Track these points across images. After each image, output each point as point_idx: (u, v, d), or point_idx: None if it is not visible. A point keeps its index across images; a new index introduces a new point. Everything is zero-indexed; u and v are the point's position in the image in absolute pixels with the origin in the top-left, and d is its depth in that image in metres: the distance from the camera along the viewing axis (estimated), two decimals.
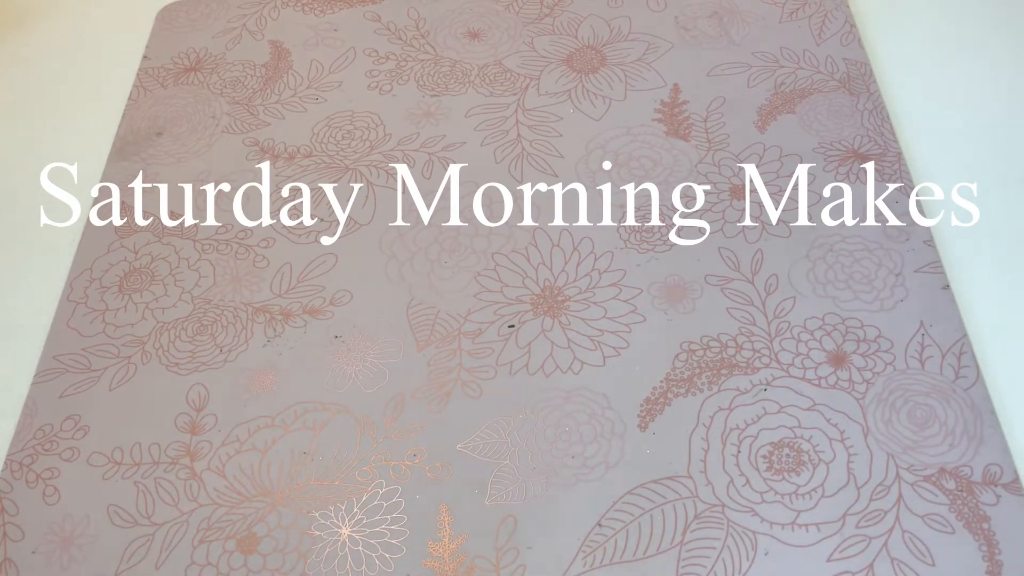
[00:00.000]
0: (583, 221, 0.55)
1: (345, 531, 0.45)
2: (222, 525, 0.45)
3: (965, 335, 0.48)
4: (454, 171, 0.58)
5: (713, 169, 0.57)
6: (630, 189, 0.56)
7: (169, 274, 0.55)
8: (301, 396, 0.49)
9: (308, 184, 0.59)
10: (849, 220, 0.54)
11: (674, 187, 0.56)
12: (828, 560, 0.42)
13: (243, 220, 0.57)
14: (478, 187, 0.57)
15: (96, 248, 0.57)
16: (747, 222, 0.54)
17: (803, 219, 0.54)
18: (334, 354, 0.51)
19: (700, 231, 0.54)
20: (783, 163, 0.57)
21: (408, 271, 0.54)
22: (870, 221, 0.53)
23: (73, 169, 0.62)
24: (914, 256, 0.52)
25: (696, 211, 0.55)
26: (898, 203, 0.54)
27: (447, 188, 0.57)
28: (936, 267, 0.51)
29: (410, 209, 0.57)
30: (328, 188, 0.58)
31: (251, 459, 0.47)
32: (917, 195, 0.54)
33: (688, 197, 0.56)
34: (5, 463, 0.48)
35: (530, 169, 0.58)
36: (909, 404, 0.46)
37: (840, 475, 0.44)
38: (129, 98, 0.65)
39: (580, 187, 0.57)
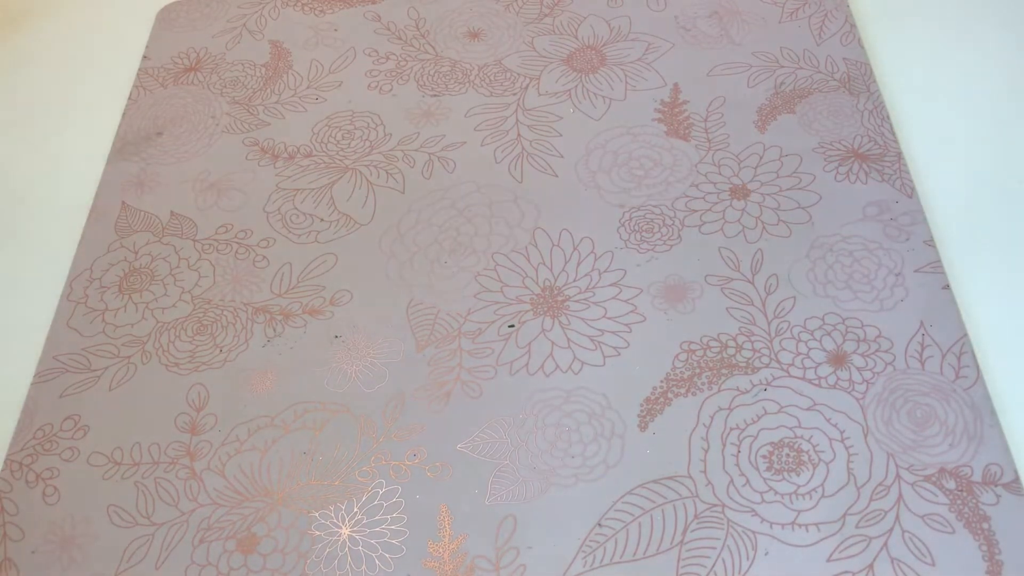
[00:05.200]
0: (583, 221, 0.55)
1: (345, 531, 0.45)
2: (222, 525, 0.45)
3: (965, 335, 0.48)
4: (454, 171, 0.58)
5: (713, 169, 0.57)
6: (630, 189, 0.56)
7: (169, 274, 0.55)
8: (301, 396, 0.49)
9: (308, 184, 0.59)
10: (849, 220, 0.54)
11: (674, 187, 0.56)
12: (828, 560, 0.42)
13: (243, 220, 0.57)
14: (478, 187, 0.57)
15: (96, 248, 0.57)
16: (747, 222, 0.54)
17: (803, 219, 0.54)
18: (334, 354, 0.51)
19: (700, 231, 0.54)
20: (783, 163, 0.57)
21: (408, 271, 0.54)
22: (870, 221, 0.53)
23: (73, 169, 0.62)
24: (914, 256, 0.52)
25: (696, 211, 0.55)
26: (898, 203, 0.54)
27: (447, 188, 0.57)
28: (936, 267, 0.51)
29: (410, 209, 0.57)
30: (328, 188, 0.58)
31: (251, 459, 0.47)
32: (917, 194, 0.54)
33: (688, 197, 0.56)
34: (5, 463, 0.48)
35: (530, 169, 0.58)
36: (909, 404, 0.46)
37: (840, 475, 0.44)
38: (129, 98, 0.65)
39: (580, 187, 0.57)
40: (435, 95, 0.63)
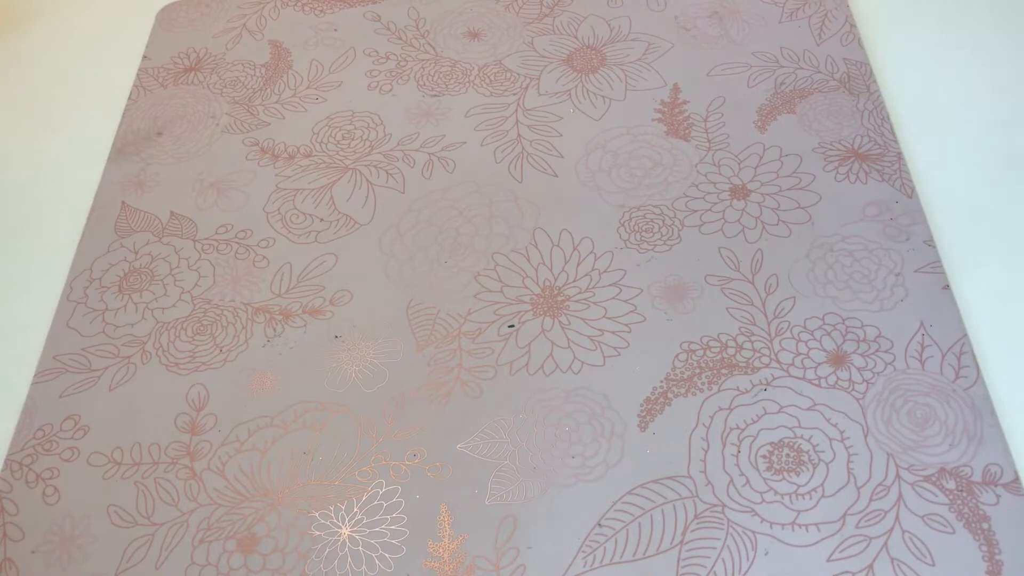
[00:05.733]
0: (583, 221, 0.55)
1: (345, 531, 0.45)
2: (222, 525, 0.45)
3: (965, 335, 0.48)
4: (454, 171, 0.58)
5: (713, 169, 0.57)
6: (630, 189, 0.56)
7: (169, 274, 0.55)
8: (301, 396, 0.49)
9: (308, 184, 0.59)
10: (849, 220, 0.54)
11: (674, 187, 0.56)
12: (828, 560, 0.42)
13: (243, 220, 0.57)
14: (478, 187, 0.57)
15: (96, 248, 0.57)
16: (747, 222, 0.54)
17: (803, 219, 0.54)
18: (334, 354, 0.51)
19: (700, 231, 0.54)
20: (783, 163, 0.57)
21: (408, 271, 0.54)
22: (870, 221, 0.53)
23: (73, 169, 0.62)
24: (914, 256, 0.52)
25: (696, 211, 0.55)
26: (898, 203, 0.54)
27: (447, 188, 0.57)
28: (936, 267, 0.51)
29: (410, 209, 0.57)
30: (328, 188, 0.58)
31: (251, 459, 0.47)
32: (917, 194, 0.54)
33: (688, 197, 0.56)
34: (5, 463, 0.48)
35: (530, 169, 0.58)
36: (909, 404, 0.46)
37: (840, 475, 0.44)
38: (129, 98, 0.65)
39: (580, 187, 0.57)
40: (435, 95, 0.63)
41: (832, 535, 0.43)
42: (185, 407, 0.49)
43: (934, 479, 0.44)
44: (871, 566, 0.42)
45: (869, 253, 0.52)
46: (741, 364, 0.48)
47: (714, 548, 0.43)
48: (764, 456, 0.45)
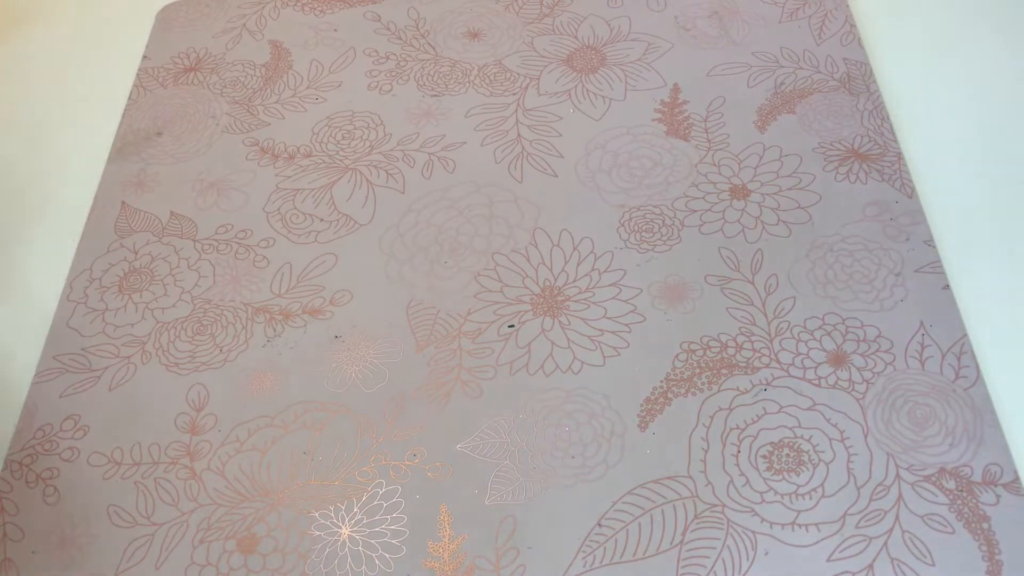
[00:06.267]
0: (583, 221, 0.55)
1: (345, 531, 0.45)
2: (222, 525, 0.45)
3: (965, 335, 0.48)
4: (454, 171, 0.58)
5: (713, 169, 0.57)
6: (630, 189, 0.56)
7: (169, 274, 0.55)
8: (301, 396, 0.49)
9: (308, 184, 0.59)
10: (849, 220, 0.54)
11: (674, 187, 0.56)
12: (828, 560, 0.42)
13: (243, 220, 0.57)
14: (478, 187, 0.57)
15: (96, 248, 0.57)
16: (747, 222, 0.54)
17: (803, 219, 0.54)
18: (334, 354, 0.51)
19: (700, 231, 0.54)
20: (783, 163, 0.57)
21: (408, 271, 0.54)
22: (870, 221, 0.53)
23: (73, 169, 0.62)
24: (914, 256, 0.52)
25: (696, 211, 0.55)
26: (898, 203, 0.54)
27: (447, 188, 0.57)
28: (936, 267, 0.51)
29: (410, 209, 0.57)
30: (328, 188, 0.58)
31: (251, 459, 0.47)
32: (917, 194, 0.54)
33: (688, 197, 0.56)
34: (5, 463, 0.48)
35: (530, 169, 0.58)
36: (909, 404, 0.46)
37: (840, 475, 0.44)
38: (129, 98, 0.65)
39: (580, 187, 0.57)
40: (435, 95, 0.63)
41: (832, 535, 0.43)
42: (185, 407, 0.49)
43: (934, 479, 0.44)
44: (871, 566, 0.42)
45: (869, 253, 0.52)
46: (741, 364, 0.48)
47: (714, 548, 0.43)
48: (764, 456, 0.45)
